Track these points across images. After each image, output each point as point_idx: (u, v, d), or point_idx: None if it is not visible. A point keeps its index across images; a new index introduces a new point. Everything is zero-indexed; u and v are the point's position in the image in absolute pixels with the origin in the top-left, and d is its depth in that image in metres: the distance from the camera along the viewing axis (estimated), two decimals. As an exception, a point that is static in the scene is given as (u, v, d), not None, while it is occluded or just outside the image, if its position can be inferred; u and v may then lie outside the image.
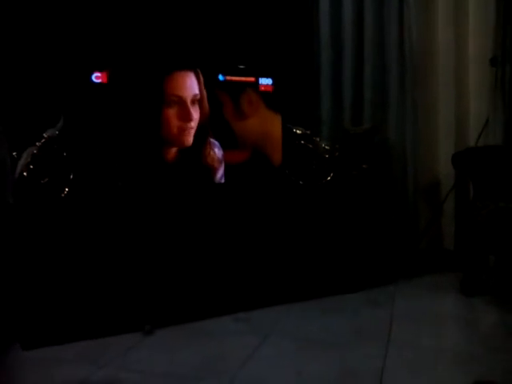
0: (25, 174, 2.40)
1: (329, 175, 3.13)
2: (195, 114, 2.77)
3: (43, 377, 2.08)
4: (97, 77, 2.62)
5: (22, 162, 2.42)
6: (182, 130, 2.75)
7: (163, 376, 2.08)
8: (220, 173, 2.93)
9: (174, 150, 2.79)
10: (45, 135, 2.50)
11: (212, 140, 2.89)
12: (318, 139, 3.24)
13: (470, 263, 3.06)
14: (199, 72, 2.79)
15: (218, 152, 2.91)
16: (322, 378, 2.03)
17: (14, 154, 2.44)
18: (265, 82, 3.05)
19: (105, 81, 2.64)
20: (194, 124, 2.78)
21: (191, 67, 2.79)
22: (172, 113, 2.73)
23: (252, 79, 3.02)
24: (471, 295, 2.98)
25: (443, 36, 3.61)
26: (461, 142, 3.56)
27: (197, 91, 2.79)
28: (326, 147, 3.22)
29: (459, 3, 3.58)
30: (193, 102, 2.76)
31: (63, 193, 2.45)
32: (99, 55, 2.71)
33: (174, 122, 2.74)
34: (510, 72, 3.39)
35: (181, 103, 2.73)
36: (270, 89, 3.06)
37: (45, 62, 2.74)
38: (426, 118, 3.62)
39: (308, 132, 3.22)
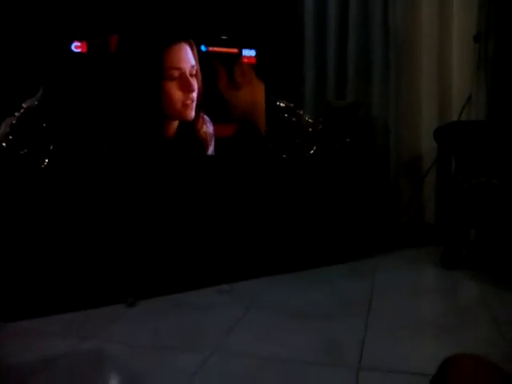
0: (4, 144, 2.36)
1: (312, 149, 3.12)
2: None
3: (26, 349, 2.06)
4: (76, 46, 2.57)
5: (0, 132, 2.38)
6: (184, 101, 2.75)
7: (147, 348, 2.08)
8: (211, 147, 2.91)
9: (164, 120, 2.76)
10: (24, 105, 2.45)
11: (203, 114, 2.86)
12: (301, 112, 3.22)
13: (450, 237, 3.09)
14: (192, 42, 2.76)
15: (209, 126, 2.88)
16: (304, 349, 2.04)
17: (-8, 124, 2.40)
18: (248, 53, 3.01)
19: (84, 50, 2.59)
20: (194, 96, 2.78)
21: (176, 35, 2.75)
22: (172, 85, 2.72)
23: (235, 50, 2.97)
24: (451, 268, 3.02)
25: (427, 12, 3.57)
26: (443, 117, 3.55)
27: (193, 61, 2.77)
28: (310, 120, 3.21)
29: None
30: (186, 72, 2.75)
31: (43, 164, 2.41)
32: (80, 24, 2.65)
33: (177, 94, 2.74)
34: (493, 48, 3.38)
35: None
36: (253, 60, 3.03)
37: (25, 30, 2.67)
38: (409, 93, 3.61)
39: (291, 105, 3.20)
